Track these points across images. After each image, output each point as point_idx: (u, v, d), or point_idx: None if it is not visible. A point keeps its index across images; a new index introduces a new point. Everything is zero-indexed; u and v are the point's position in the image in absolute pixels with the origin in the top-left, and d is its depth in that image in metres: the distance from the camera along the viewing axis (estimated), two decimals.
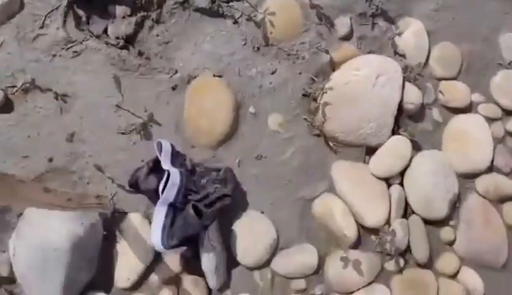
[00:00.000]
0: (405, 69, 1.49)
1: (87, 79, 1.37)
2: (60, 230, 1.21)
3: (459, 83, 1.55)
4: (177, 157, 1.31)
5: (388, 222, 1.40)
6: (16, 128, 1.33)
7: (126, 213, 1.33)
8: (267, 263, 1.37)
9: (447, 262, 1.44)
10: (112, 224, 1.32)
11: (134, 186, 1.30)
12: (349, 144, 1.45)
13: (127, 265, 1.30)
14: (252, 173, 1.39)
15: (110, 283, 1.31)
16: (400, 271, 1.41)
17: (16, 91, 1.33)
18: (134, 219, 1.32)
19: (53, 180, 1.32)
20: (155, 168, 1.28)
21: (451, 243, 1.46)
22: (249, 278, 1.36)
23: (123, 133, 1.36)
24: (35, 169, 1.32)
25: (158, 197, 1.22)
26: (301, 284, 1.37)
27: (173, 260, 1.33)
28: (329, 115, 1.41)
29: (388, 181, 1.44)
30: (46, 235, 1.21)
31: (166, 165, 1.26)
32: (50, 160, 1.33)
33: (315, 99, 1.43)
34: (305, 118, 1.43)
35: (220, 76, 1.42)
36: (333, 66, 1.47)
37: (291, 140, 1.43)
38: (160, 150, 1.28)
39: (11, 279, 1.28)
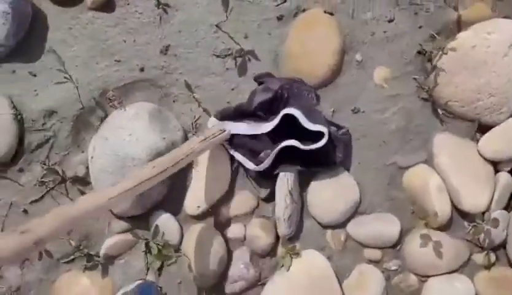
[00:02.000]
0: None
1: None
2: (142, 139, 1.17)
3: None
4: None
5: (487, 210, 1.24)
6: (114, 30, 1.28)
7: None
8: (343, 224, 1.27)
9: None
10: None
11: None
12: (460, 116, 1.28)
13: (199, 193, 1.25)
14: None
15: (179, 207, 1.27)
16: (489, 267, 1.25)
17: None
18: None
19: (139, 91, 1.28)
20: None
21: None
22: (321, 236, 1.27)
23: (217, 56, 1.28)
24: (125, 76, 1.28)
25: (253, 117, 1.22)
26: (376, 254, 1.25)
27: (246, 198, 1.26)
28: (444, 80, 1.25)
29: (496, 166, 1.27)
30: (127, 142, 1.17)
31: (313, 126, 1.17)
32: (142, 69, 1.28)
33: (430, 60, 1.27)
34: (415, 78, 1.28)
35: (331, 14, 1.28)
36: (459, 25, 1.29)
37: (395, 98, 1.28)
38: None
39: (85, 181, 1.27)
